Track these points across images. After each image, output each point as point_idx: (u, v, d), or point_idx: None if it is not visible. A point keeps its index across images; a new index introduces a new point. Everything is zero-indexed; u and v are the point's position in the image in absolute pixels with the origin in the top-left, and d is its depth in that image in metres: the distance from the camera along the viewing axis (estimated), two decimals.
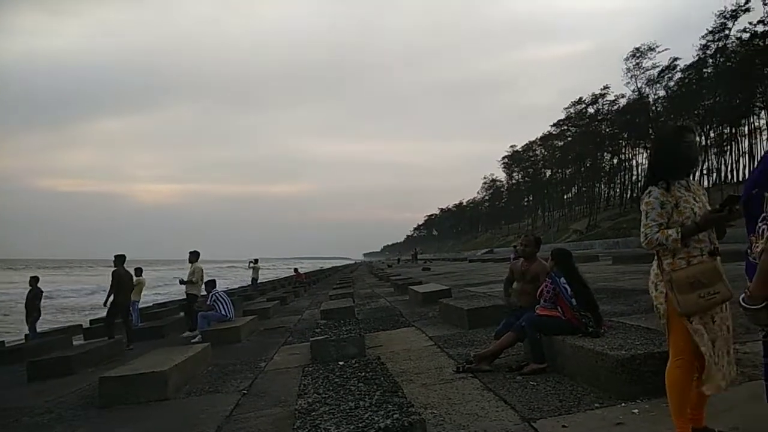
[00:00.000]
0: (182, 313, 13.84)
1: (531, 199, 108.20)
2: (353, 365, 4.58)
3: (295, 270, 33.21)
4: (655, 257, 2.72)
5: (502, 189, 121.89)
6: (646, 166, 3.01)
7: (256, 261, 25.56)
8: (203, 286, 11.52)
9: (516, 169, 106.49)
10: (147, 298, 21.77)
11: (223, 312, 10.30)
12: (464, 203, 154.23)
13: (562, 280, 4.60)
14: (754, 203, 1.78)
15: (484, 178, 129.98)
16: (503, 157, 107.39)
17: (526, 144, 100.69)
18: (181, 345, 8.53)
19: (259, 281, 27.10)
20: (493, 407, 3.84)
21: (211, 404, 5.21)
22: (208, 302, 10.57)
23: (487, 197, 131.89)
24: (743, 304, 1.77)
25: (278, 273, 66.67)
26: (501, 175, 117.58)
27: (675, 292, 2.48)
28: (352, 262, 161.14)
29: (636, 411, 3.35)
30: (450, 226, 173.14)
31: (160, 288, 41.13)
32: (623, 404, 3.50)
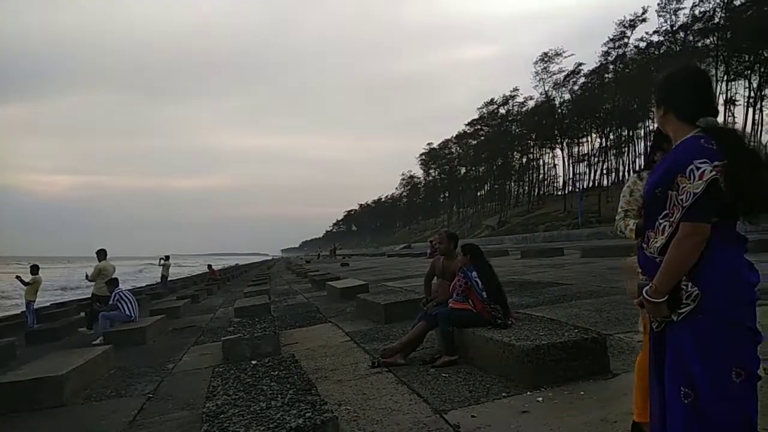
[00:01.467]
0: (83, 313, 12.96)
1: (447, 195, 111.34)
2: (266, 364, 4.47)
3: (209, 267, 32.05)
4: None
5: (419, 185, 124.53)
6: None
7: (167, 258, 24.40)
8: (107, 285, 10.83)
9: (433, 166, 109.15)
10: (44, 297, 20.17)
11: (127, 312, 9.74)
12: (383, 199, 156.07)
13: (474, 274, 4.74)
14: (656, 202, 1.88)
15: (403, 174, 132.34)
16: (421, 155, 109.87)
17: (443, 142, 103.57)
18: (81, 347, 7.98)
19: (169, 279, 25.92)
20: (407, 400, 3.88)
21: (113, 409, 4.91)
22: (111, 302, 9.95)
23: (405, 193, 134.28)
24: (647, 296, 1.86)
25: (192, 270, 64.17)
26: (419, 172, 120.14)
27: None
28: (270, 258, 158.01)
29: (540, 399, 3.51)
30: (369, 222, 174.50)
31: (52, 289, 38.24)
32: (529, 393, 3.65)
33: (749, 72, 48.55)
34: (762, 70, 47.54)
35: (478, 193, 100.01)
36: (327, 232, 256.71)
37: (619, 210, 2.73)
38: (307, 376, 4.62)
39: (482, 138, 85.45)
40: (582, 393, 3.54)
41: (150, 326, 9.28)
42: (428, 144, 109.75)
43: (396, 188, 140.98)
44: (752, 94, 49.16)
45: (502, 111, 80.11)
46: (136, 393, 5.44)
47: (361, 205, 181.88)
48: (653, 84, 2.07)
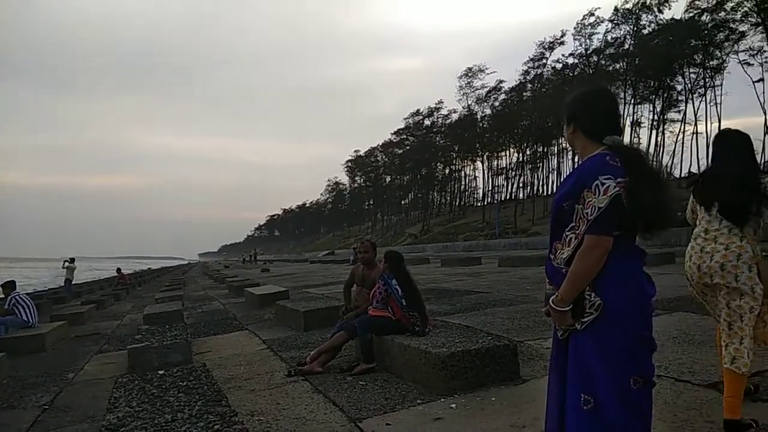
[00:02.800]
0: None
1: (372, 203, 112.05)
2: (174, 374, 4.27)
3: (118, 270, 30.33)
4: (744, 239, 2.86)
5: (345, 192, 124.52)
6: None
7: (72, 260, 22.82)
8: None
9: (359, 173, 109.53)
10: None
11: (24, 317, 8.99)
12: (308, 204, 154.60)
13: (394, 281, 4.76)
14: (564, 214, 1.95)
15: (329, 180, 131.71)
16: (347, 161, 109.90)
17: (369, 150, 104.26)
18: None
19: (74, 282, 24.26)
20: (322, 410, 3.82)
21: (3, 423, 4.49)
22: (6, 306, 9.15)
23: (330, 199, 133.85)
24: (553, 305, 1.92)
25: (100, 273, 60.45)
26: (344, 179, 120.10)
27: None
28: (186, 262, 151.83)
29: (454, 406, 3.56)
30: (293, 227, 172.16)
31: None
32: (443, 399, 3.70)
33: (654, 97, 52.52)
34: (665, 95, 51.55)
35: (402, 202, 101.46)
36: (248, 236, 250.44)
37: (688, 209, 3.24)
38: (219, 386, 4.47)
39: (407, 147, 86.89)
40: (493, 399, 3.63)
41: (50, 333, 8.62)
42: (355, 151, 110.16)
43: (321, 194, 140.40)
44: (656, 117, 53.26)
45: (427, 122, 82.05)
46: (30, 404, 5.01)
47: (284, 209, 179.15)
48: (564, 102, 2.14)
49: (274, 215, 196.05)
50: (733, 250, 2.84)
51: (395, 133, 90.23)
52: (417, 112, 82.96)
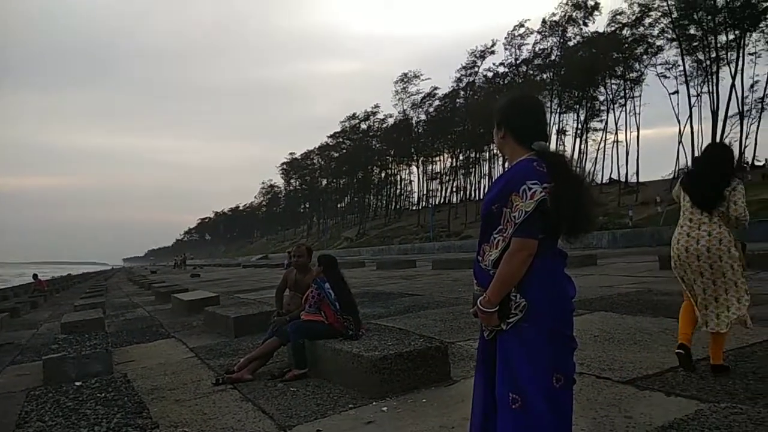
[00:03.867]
0: None
1: (308, 206, 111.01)
2: (92, 385, 4.03)
3: (35, 276, 28.47)
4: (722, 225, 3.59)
5: (280, 195, 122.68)
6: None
7: None
8: None
9: (294, 176, 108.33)
10: None
11: None
12: (241, 207, 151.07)
13: (327, 285, 4.71)
14: (492, 217, 1.98)
15: (263, 183, 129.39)
16: (282, 164, 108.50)
17: (305, 153, 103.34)
18: None
19: None
20: (251, 418, 3.71)
21: None
22: None
23: (264, 202, 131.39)
24: (480, 306, 1.95)
25: (14, 281, 56.43)
26: (280, 181, 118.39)
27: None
28: (109, 267, 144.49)
29: (385, 409, 3.55)
30: (225, 231, 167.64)
31: None
32: (375, 403, 3.69)
33: (578, 106, 55.06)
34: (588, 105, 54.17)
35: (339, 205, 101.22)
36: (177, 240, 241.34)
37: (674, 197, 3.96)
38: (141, 397, 4.26)
39: (344, 151, 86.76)
40: (424, 400, 3.65)
41: None
42: (290, 154, 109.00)
43: (255, 197, 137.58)
44: (579, 126, 55.81)
45: (363, 126, 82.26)
46: None
47: (216, 212, 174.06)
48: (495, 107, 2.19)
49: (206, 218, 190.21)
50: (715, 236, 3.56)
51: (332, 136, 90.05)
52: (353, 116, 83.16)
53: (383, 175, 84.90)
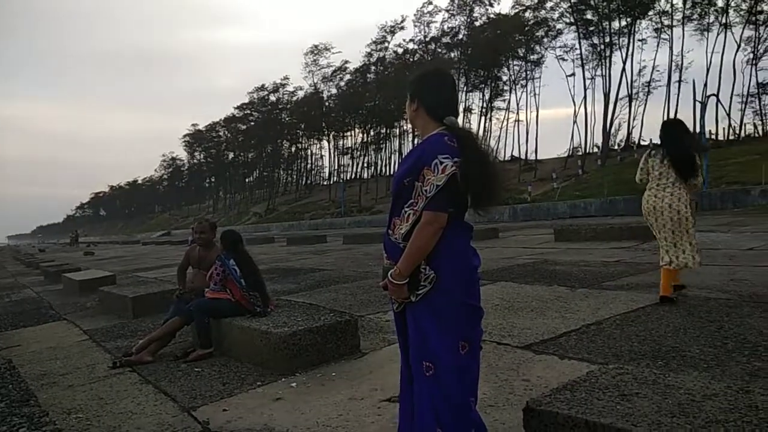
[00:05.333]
0: None
1: (213, 180, 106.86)
2: None
3: None
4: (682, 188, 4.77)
5: (182, 168, 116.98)
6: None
7: None
8: None
9: (198, 148, 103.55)
10: None
11: None
12: (140, 181, 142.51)
13: (232, 261, 4.56)
14: (404, 191, 1.99)
15: (164, 155, 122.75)
16: (185, 136, 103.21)
17: (210, 124, 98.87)
18: None
19: None
20: (152, 401, 3.55)
21: None
22: None
23: (166, 176, 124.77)
24: (391, 279, 1.96)
25: None
26: (182, 154, 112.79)
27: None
28: None
29: (294, 384, 3.53)
30: (122, 206, 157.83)
31: None
32: (284, 379, 3.65)
33: (483, 86, 56.83)
34: (493, 85, 56.06)
35: (247, 180, 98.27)
36: (68, 216, 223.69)
37: (639, 171, 5.04)
38: (27, 384, 3.92)
39: (252, 123, 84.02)
40: (334, 374, 3.67)
41: None
42: (193, 125, 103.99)
43: (156, 170, 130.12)
44: (484, 105, 57.71)
45: (272, 98, 79.97)
46: None
47: (112, 187, 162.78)
48: (409, 79, 2.19)
49: (100, 193, 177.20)
50: (676, 195, 4.74)
51: (239, 107, 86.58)
52: (262, 87, 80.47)
53: (293, 149, 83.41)
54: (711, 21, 43.63)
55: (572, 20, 47.58)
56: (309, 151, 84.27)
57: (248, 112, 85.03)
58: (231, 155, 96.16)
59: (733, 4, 41.70)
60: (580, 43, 48.14)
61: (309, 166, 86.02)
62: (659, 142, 5.06)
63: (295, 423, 2.91)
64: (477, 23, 55.32)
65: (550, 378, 3.14)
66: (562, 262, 8.47)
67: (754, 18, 41.17)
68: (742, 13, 41.78)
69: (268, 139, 79.87)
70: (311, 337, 3.94)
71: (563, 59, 50.75)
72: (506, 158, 57.21)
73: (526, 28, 50.48)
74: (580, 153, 49.74)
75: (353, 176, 72.05)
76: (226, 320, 4.48)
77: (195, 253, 5.37)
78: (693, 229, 4.78)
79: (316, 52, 67.08)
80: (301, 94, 75.14)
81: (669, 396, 2.01)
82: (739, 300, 4.76)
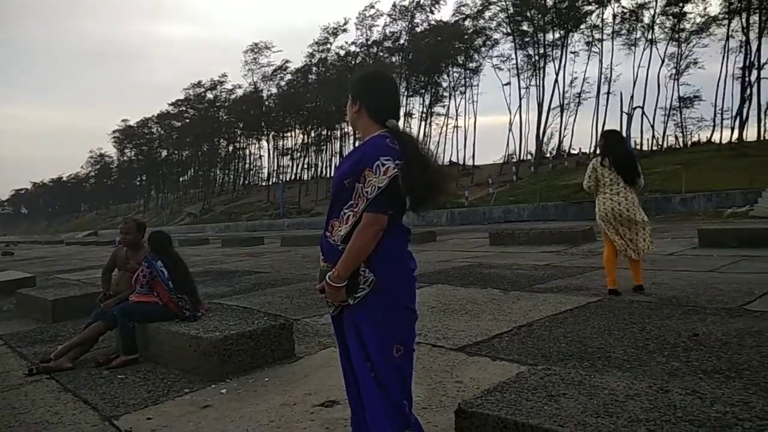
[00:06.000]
0: None
1: (144, 178, 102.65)
2: None
3: None
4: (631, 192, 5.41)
5: (112, 166, 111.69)
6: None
7: None
8: None
9: (129, 145, 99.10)
10: None
11: None
12: (65, 178, 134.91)
13: (159, 263, 4.37)
14: (344, 192, 1.96)
15: (92, 152, 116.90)
16: (114, 132, 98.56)
17: (142, 120, 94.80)
18: None
19: None
20: (70, 410, 3.34)
21: None
22: None
23: (93, 173, 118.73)
24: (329, 282, 1.93)
25: None
26: (111, 151, 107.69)
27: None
28: None
29: (224, 391, 3.41)
30: (45, 204, 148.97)
31: None
32: (214, 386, 3.53)
33: (424, 91, 57.61)
34: (433, 90, 56.96)
35: (181, 179, 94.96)
36: None
37: (587, 178, 5.56)
38: None
39: (187, 121, 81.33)
40: (266, 379, 3.58)
41: None
42: (124, 121, 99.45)
43: (82, 167, 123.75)
44: (425, 110, 58.53)
45: (209, 95, 77.78)
46: None
47: (35, 183, 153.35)
48: (351, 79, 2.17)
49: (21, 190, 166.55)
50: (630, 200, 5.34)
51: (173, 104, 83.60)
52: (198, 84, 78.01)
53: (231, 148, 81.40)
54: (638, 36, 46.16)
55: (509, 31, 49.08)
56: (247, 151, 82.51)
57: (183, 108, 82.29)
58: (164, 153, 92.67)
59: (658, 21, 44.41)
60: (516, 53, 49.73)
61: (247, 166, 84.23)
62: (600, 151, 5.64)
63: (223, 431, 2.82)
64: (418, 29, 56.03)
65: (482, 380, 3.19)
66: (496, 265, 8.68)
67: (677, 35, 43.94)
68: (666, 30, 44.53)
69: (205, 137, 77.61)
70: (244, 342, 3.83)
71: (500, 68, 52.23)
72: (445, 163, 58.24)
73: (466, 37, 51.61)
74: (515, 160, 51.30)
75: (293, 177, 71.17)
76: (153, 325, 4.29)
77: (122, 255, 5.12)
78: (649, 227, 5.46)
79: (256, 50, 65.93)
80: (240, 92, 73.55)
81: (594, 396, 2.08)
82: (659, 303, 5.03)
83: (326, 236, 2.06)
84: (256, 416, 2.95)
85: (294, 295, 6.78)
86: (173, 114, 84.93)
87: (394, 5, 56.02)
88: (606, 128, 6.69)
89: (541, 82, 48.89)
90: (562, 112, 49.64)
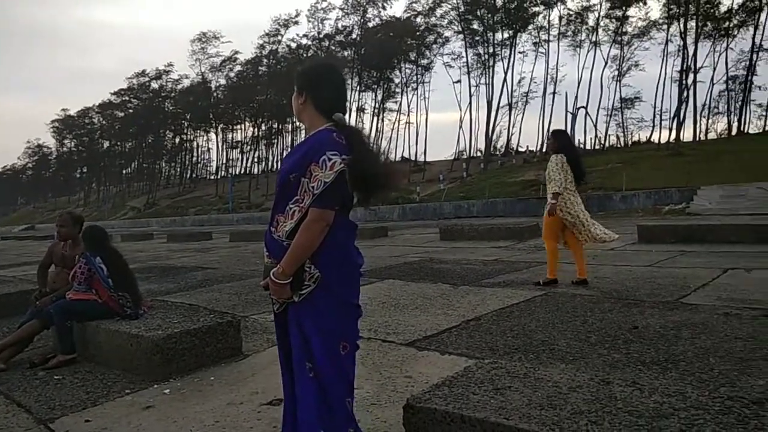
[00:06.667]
0: None
1: (85, 171, 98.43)
2: None
3: None
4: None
5: (50, 157, 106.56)
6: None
7: None
8: None
9: (69, 136, 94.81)
10: None
11: None
12: (0, 170, 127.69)
13: (98, 259, 4.18)
14: (289, 187, 1.92)
15: (28, 142, 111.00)
16: (53, 121, 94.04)
17: (83, 110, 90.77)
18: None
19: None
20: (2, 413, 3.16)
21: None
22: None
23: (31, 164, 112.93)
24: (274, 278, 1.89)
25: None
26: (50, 141, 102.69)
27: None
28: None
29: (167, 391, 3.30)
30: None
31: None
32: (156, 386, 3.41)
33: (376, 86, 57.65)
34: (385, 86, 57.06)
35: (124, 171, 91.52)
36: None
37: (564, 178, 5.62)
38: None
39: (131, 111, 78.47)
40: (212, 378, 3.49)
41: None
42: (63, 110, 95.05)
43: (19, 158, 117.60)
44: (377, 105, 58.59)
45: (154, 85, 75.32)
46: None
47: None
48: (298, 71, 2.12)
49: None
50: (580, 200, 5.77)
51: (116, 93, 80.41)
52: (143, 73, 75.39)
53: (177, 140, 79.11)
54: (583, 38, 47.77)
55: (460, 29, 49.76)
56: (195, 143, 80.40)
57: (127, 98, 79.31)
58: (106, 144, 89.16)
59: (602, 24, 46.03)
60: (466, 51, 50.49)
61: (195, 158, 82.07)
62: (557, 149, 5.78)
63: None
64: (370, 24, 56.01)
65: (431, 374, 3.21)
66: (446, 260, 8.79)
67: (620, 38, 45.69)
68: (609, 33, 46.22)
69: (150, 128, 75.15)
70: (188, 340, 3.72)
71: (451, 66, 52.95)
72: (397, 159, 58.53)
73: (418, 33, 51.96)
74: (465, 156, 52.14)
75: (243, 171, 69.90)
76: (92, 323, 4.11)
77: (59, 250, 4.88)
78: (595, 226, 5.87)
79: (204, 39, 64.28)
80: (187, 82, 71.59)
81: (539, 389, 2.12)
82: (601, 296, 5.21)
83: (271, 231, 2.02)
84: (201, 416, 2.87)
85: (243, 292, 6.65)
86: (116, 104, 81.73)
87: None
88: (554, 128, 6.97)
89: (491, 80, 49.92)
90: (510, 110, 50.88)
